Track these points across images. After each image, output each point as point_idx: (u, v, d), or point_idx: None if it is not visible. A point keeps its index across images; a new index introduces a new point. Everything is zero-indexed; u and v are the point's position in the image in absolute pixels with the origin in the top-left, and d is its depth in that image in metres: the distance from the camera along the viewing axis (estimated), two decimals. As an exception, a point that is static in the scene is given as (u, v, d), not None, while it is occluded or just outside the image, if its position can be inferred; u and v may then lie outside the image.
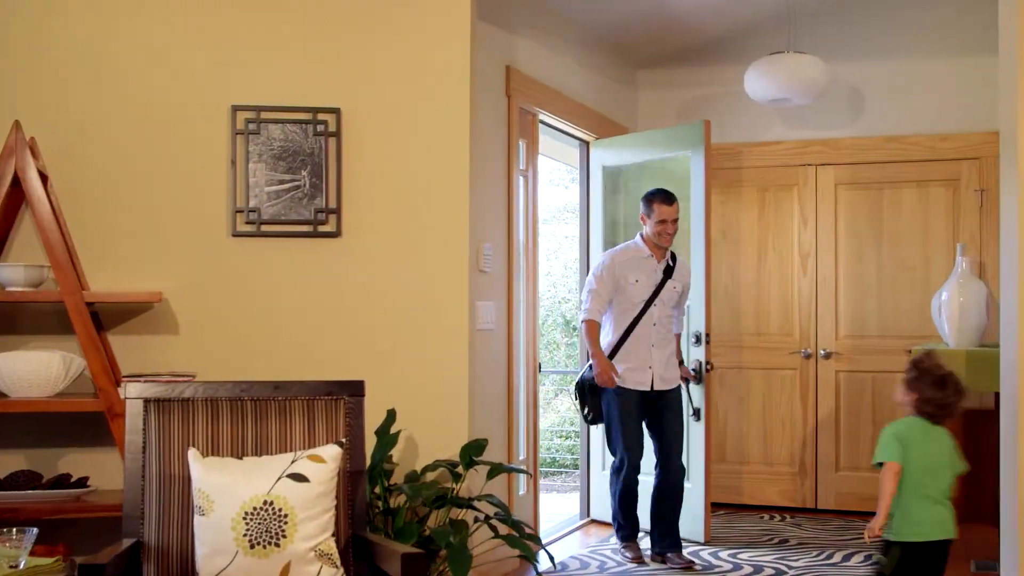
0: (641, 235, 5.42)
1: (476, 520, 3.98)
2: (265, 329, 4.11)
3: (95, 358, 3.67)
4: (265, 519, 2.88)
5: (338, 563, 2.95)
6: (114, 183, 4.06)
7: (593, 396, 5.42)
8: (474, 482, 4.20)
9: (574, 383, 5.62)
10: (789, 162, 6.79)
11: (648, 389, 5.32)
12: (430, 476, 4.09)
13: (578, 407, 5.57)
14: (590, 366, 5.36)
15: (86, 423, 3.95)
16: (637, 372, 5.31)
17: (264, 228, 4.11)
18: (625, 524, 5.44)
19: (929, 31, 6.49)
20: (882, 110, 6.65)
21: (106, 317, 4.04)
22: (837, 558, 5.48)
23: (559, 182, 9.66)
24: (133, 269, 4.06)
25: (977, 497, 4.86)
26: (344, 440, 3.11)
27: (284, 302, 4.13)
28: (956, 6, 6.41)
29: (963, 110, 6.41)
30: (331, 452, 3.00)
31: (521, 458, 5.62)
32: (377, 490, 3.88)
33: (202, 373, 4.02)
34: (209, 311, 4.09)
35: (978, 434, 4.78)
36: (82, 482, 3.83)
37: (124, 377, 3.81)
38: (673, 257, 5.42)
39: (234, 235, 4.10)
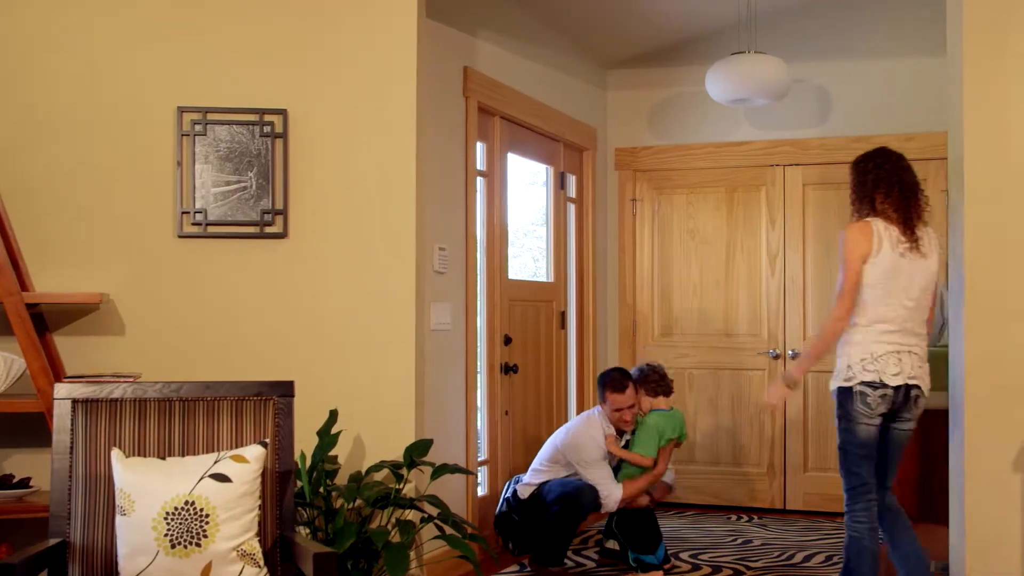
0: (599, 420, 5.22)
1: (423, 521, 3.98)
2: (211, 330, 4.12)
3: (35, 359, 3.68)
4: (186, 519, 2.88)
5: (261, 563, 2.95)
6: (60, 185, 4.07)
7: (516, 526, 5.24)
8: (428, 483, 4.19)
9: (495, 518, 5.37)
10: (757, 162, 6.80)
11: None
12: (376, 476, 4.10)
13: (503, 542, 5.33)
14: (507, 500, 5.29)
15: (29, 424, 3.96)
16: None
17: (210, 229, 4.12)
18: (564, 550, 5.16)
19: (895, 31, 6.49)
20: (849, 110, 6.66)
21: (52, 318, 4.05)
22: (798, 558, 5.49)
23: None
24: (79, 270, 4.06)
25: (935, 498, 4.85)
26: (268, 440, 3.12)
27: (230, 303, 4.13)
28: (921, 6, 6.41)
29: (929, 110, 6.40)
30: (254, 452, 3.01)
31: (482, 458, 5.62)
32: (322, 491, 3.89)
33: (148, 374, 4.03)
34: (155, 312, 4.10)
35: (936, 435, 4.76)
36: (24, 483, 3.84)
37: (67, 378, 3.82)
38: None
39: (180, 236, 4.11)
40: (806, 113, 6.73)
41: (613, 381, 5.19)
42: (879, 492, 4.06)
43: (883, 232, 3.95)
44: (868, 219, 3.99)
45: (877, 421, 3.97)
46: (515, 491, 5.31)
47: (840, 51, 6.62)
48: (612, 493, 5.10)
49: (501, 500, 5.38)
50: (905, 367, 3.93)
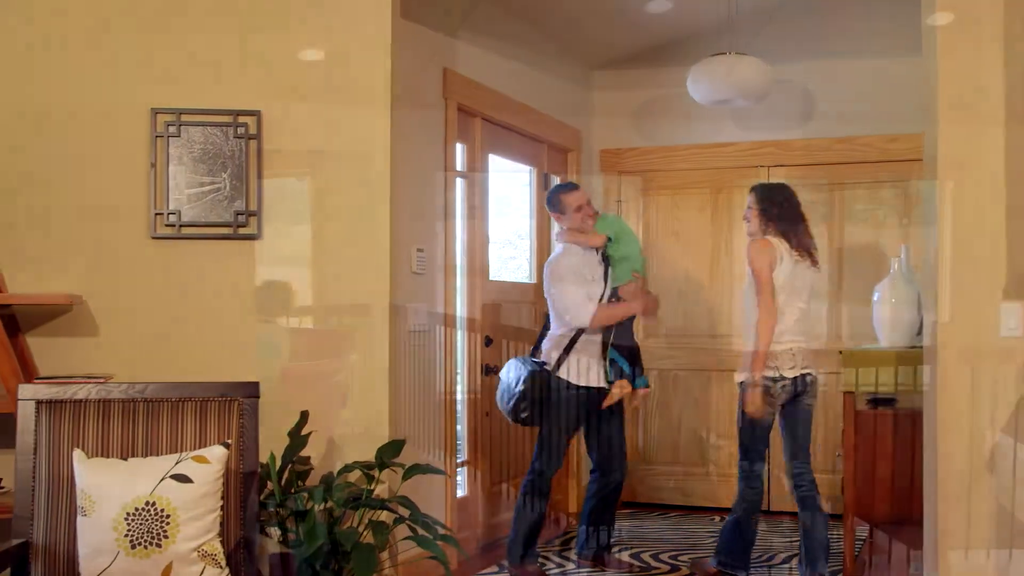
0: (563, 235, 5.16)
1: (395, 522, 3.98)
2: (185, 331, 4.12)
3: (4, 360, 3.69)
4: (147, 520, 2.89)
5: (223, 564, 2.96)
6: (33, 185, 4.07)
7: (543, 392, 4.98)
8: (407, 484, 4.18)
9: (522, 381, 4.98)
10: (742, 163, 6.79)
11: (596, 386, 5.03)
12: (349, 478, 4.10)
13: (514, 405, 4.98)
14: (542, 364, 5.05)
15: (2, 425, 3.96)
16: (589, 370, 5.04)
17: (184, 230, 4.12)
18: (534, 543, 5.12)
19: (879, 32, 6.48)
20: (833, 111, 6.65)
21: (25, 319, 4.05)
22: (778, 559, 5.49)
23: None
24: (53, 271, 4.07)
25: (911, 499, 4.85)
26: (230, 441, 3.12)
27: (204, 304, 4.14)
28: (905, 6, 6.40)
29: (913, 112, 6.38)
30: (216, 453, 3.02)
31: (461, 460, 5.62)
32: (293, 492, 3.89)
33: (122, 375, 4.03)
34: (129, 313, 4.10)
35: (911, 436, 4.77)
36: (-4, 483, 3.85)
37: (37, 379, 3.83)
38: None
39: (154, 237, 4.11)
40: (790, 114, 6.72)
41: (561, 187, 5.31)
42: (800, 464, 4.82)
43: (779, 244, 4.71)
44: (766, 236, 4.77)
45: (774, 410, 4.71)
46: (540, 366, 5.06)
47: (824, 52, 6.61)
48: (578, 313, 4.97)
49: (525, 373, 5.01)
50: (798, 360, 4.69)
